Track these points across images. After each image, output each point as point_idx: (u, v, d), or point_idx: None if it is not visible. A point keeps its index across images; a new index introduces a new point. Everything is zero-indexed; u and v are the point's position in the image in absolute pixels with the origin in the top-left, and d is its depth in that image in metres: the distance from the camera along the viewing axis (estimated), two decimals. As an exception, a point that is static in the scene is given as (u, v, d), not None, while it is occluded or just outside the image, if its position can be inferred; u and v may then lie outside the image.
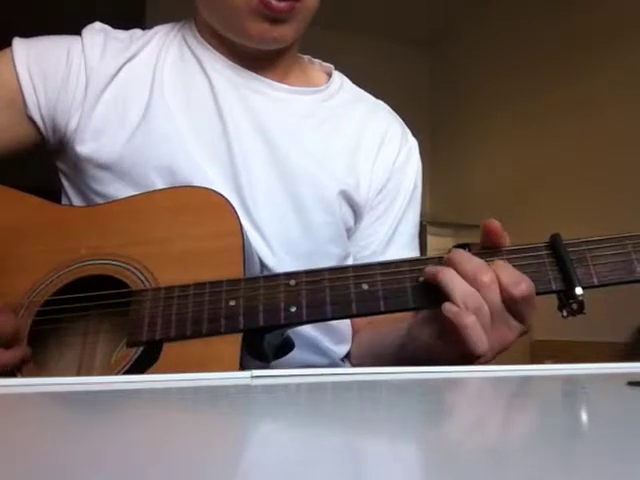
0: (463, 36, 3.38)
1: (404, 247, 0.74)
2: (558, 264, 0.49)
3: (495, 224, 0.50)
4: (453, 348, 0.48)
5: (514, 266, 0.49)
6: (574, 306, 0.47)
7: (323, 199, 0.67)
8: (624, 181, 2.21)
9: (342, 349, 0.71)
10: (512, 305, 0.47)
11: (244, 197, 0.64)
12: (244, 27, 0.65)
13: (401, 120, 0.80)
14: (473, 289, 0.47)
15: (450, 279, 0.47)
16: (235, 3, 0.63)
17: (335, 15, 2.73)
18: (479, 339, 0.46)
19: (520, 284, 0.46)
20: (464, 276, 0.47)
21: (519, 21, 2.91)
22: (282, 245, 0.65)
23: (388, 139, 0.75)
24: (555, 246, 0.49)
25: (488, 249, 0.51)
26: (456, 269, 0.48)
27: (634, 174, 2.16)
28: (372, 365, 0.68)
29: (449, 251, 0.52)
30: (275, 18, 0.63)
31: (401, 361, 0.59)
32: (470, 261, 0.48)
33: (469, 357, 0.47)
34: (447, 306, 0.47)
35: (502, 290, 0.47)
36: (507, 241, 0.51)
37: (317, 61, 0.80)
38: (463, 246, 0.52)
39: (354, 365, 0.72)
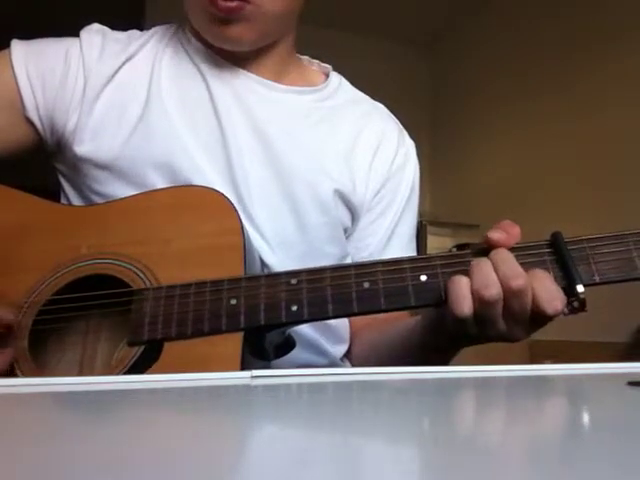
0: (463, 36, 3.38)
1: (402, 248, 0.74)
2: (559, 262, 0.49)
3: (491, 236, 0.49)
4: (439, 330, 0.49)
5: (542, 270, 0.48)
6: (575, 304, 0.47)
7: (318, 199, 0.67)
8: (624, 181, 2.21)
9: (340, 349, 0.71)
10: (540, 317, 0.47)
11: (241, 196, 0.64)
12: (202, 27, 0.66)
13: (398, 122, 0.80)
14: (498, 282, 0.46)
15: (481, 265, 0.47)
16: (192, 4, 0.65)
17: (335, 15, 2.73)
18: (462, 297, 0.46)
19: (556, 301, 0.46)
20: (497, 275, 0.47)
21: (519, 21, 2.91)
22: (279, 244, 0.65)
23: (385, 141, 0.75)
24: (556, 244, 0.49)
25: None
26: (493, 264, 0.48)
27: (634, 174, 2.16)
28: (376, 365, 0.68)
29: (449, 251, 0.52)
30: (223, 18, 0.63)
31: (404, 358, 0.59)
32: (510, 262, 0.47)
33: (456, 324, 0.48)
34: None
35: (536, 304, 0.46)
36: (514, 239, 0.50)
37: (315, 62, 0.80)
38: (463, 246, 0.52)
39: (355, 365, 0.72)
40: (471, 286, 0.47)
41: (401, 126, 0.80)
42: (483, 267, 0.47)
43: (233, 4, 0.61)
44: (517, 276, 0.46)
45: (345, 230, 0.71)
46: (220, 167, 0.65)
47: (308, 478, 0.16)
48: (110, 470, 0.17)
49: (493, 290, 0.46)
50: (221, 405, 0.32)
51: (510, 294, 0.46)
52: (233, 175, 0.65)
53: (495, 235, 0.49)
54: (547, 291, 0.46)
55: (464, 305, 0.46)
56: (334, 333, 0.69)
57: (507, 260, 0.47)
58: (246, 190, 0.65)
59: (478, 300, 0.46)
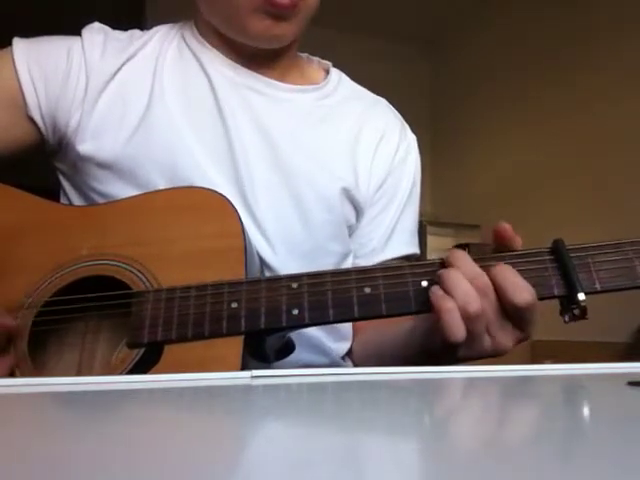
0: (463, 36, 3.38)
1: (404, 243, 0.74)
2: (561, 269, 0.49)
3: (505, 227, 0.50)
4: (435, 337, 0.48)
5: (517, 271, 0.48)
6: (576, 311, 0.47)
7: (324, 198, 0.68)
8: (624, 181, 2.21)
9: (343, 347, 0.71)
10: (514, 312, 0.47)
11: (246, 196, 0.64)
12: (246, 25, 0.65)
13: (400, 116, 0.80)
14: (476, 293, 0.46)
15: (454, 279, 0.47)
16: (237, 0, 0.63)
17: (335, 15, 2.72)
18: (455, 326, 0.46)
19: (523, 292, 0.46)
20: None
21: (519, 20, 2.91)
22: (283, 244, 0.65)
23: (387, 135, 0.75)
24: (558, 251, 0.49)
25: (497, 252, 0.51)
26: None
27: (634, 173, 2.16)
28: (377, 364, 0.68)
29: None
30: (278, 15, 0.63)
31: (405, 359, 0.59)
32: (468, 264, 0.48)
33: (448, 347, 0.47)
34: (433, 288, 0.48)
35: (504, 297, 0.47)
36: (519, 243, 0.51)
37: (315, 59, 0.80)
38: (463, 246, 0.52)
39: (357, 363, 0.72)
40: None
41: (403, 120, 0.80)
42: (460, 283, 0.47)
43: (288, 1, 0.62)
44: (479, 275, 0.47)
45: (349, 227, 0.72)
46: (224, 167, 0.65)
47: (308, 478, 0.16)
48: (109, 470, 0.17)
49: (475, 305, 0.46)
50: (221, 405, 0.32)
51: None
52: (238, 175, 0.65)
53: (505, 224, 0.50)
54: (513, 283, 0.47)
55: (460, 332, 0.46)
56: (337, 331, 0.69)
57: (466, 262, 0.48)
58: (251, 190, 0.65)
59: (465, 318, 0.46)
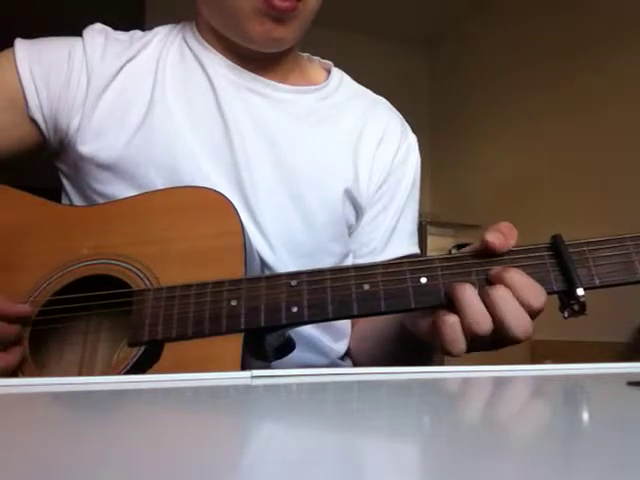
0: (463, 36, 3.38)
1: (404, 243, 0.75)
2: (559, 265, 0.49)
3: (489, 240, 0.48)
4: (434, 340, 0.49)
5: (515, 267, 0.48)
6: (575, 307, 0.47)
7: (326, 199, 0.68)
8: (624, 181, 2.21)
9: (341, 346, 0.71)
10: (509, 341, 0.47)
11: (247, 196, 0.64)
12: (246, 28, 0.65)
13: (401, 116, 0.80)
14: (488, 315, 0.46)
15: (468, 299, 0.46)
16: (238, 3, 0.63)
17: (335, 15, 2.73)
18: (456, 340, 0.46)
19: (540, 297, 0.46)
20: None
21: (519, 21, 2.91)
22: (284, 244, 0.65)
23: (388, 135, 0.75)
24: (556, 247, 0.49)
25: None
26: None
27: (634, 174, 2.16)
28: (371, 357, 0.69)
29: (449, 252, 0.52)
30: (278, 18, 0.63)
31: (398, 354, 0.59)
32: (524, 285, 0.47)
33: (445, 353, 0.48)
34: (440, 313, 0.47)
35: (522, 303, 0.46)
36: (514, 235, 0.50)
37: (316, 58, 0.80)
38: (463, 246, 0.52)
39: (354, 359, 0.73)
40: (461, 320, 0.46)
41: (404, 120, 0.80)
42: (474, 302, 0.46)
43: (290, 4, 0.62)
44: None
45: (349, 227, 0.72)
46: (225, 168, 0.65)
47: (309, 478, 0.16)
48: (110, 470, 0.17)
49: (485, 326, 0.46)
50: (221, 405, 0.32)
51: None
52: (239, 176, 0.65)
53: (491, 237, 0.48)
54: (531, 289, 0.46)
55: (460, 346, 0.46)
56: (335, 330, 0.70)
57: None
58: (252, 190, 0.65)
59: (470, 334, 0.46)
